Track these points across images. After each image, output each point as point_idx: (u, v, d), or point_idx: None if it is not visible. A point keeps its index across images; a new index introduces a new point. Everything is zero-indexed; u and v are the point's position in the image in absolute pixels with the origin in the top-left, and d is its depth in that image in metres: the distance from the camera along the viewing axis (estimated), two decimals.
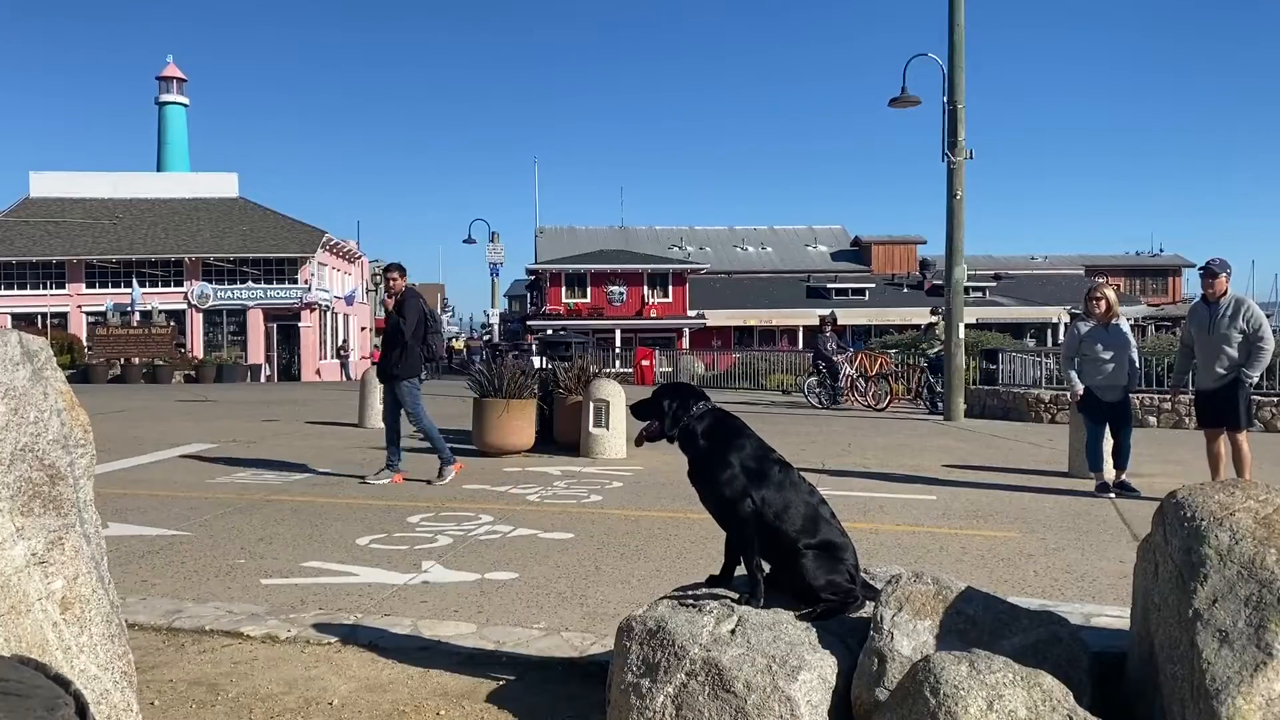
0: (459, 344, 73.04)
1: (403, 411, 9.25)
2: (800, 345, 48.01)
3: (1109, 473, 8.69)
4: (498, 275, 42.36)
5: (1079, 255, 71.72)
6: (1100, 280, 9.59)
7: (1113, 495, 8.41)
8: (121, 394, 24.34)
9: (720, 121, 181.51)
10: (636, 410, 3.78)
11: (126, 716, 2.79)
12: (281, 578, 5.63)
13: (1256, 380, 8.06)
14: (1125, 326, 8.81)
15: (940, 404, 17.90)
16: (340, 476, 9.60)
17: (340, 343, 47.00)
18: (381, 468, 9.25)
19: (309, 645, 4.36)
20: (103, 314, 39.19)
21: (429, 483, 8.96)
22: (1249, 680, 2.48)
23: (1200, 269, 8.24)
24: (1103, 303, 8.75)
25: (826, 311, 21.81)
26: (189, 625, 4.63)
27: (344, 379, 40.67)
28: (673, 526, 7.05)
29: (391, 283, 9.04)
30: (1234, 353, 7.90)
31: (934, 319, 19.51)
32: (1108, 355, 8.61)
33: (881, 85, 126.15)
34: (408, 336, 8.96)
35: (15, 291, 40.75)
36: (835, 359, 19.43)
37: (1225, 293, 8.04)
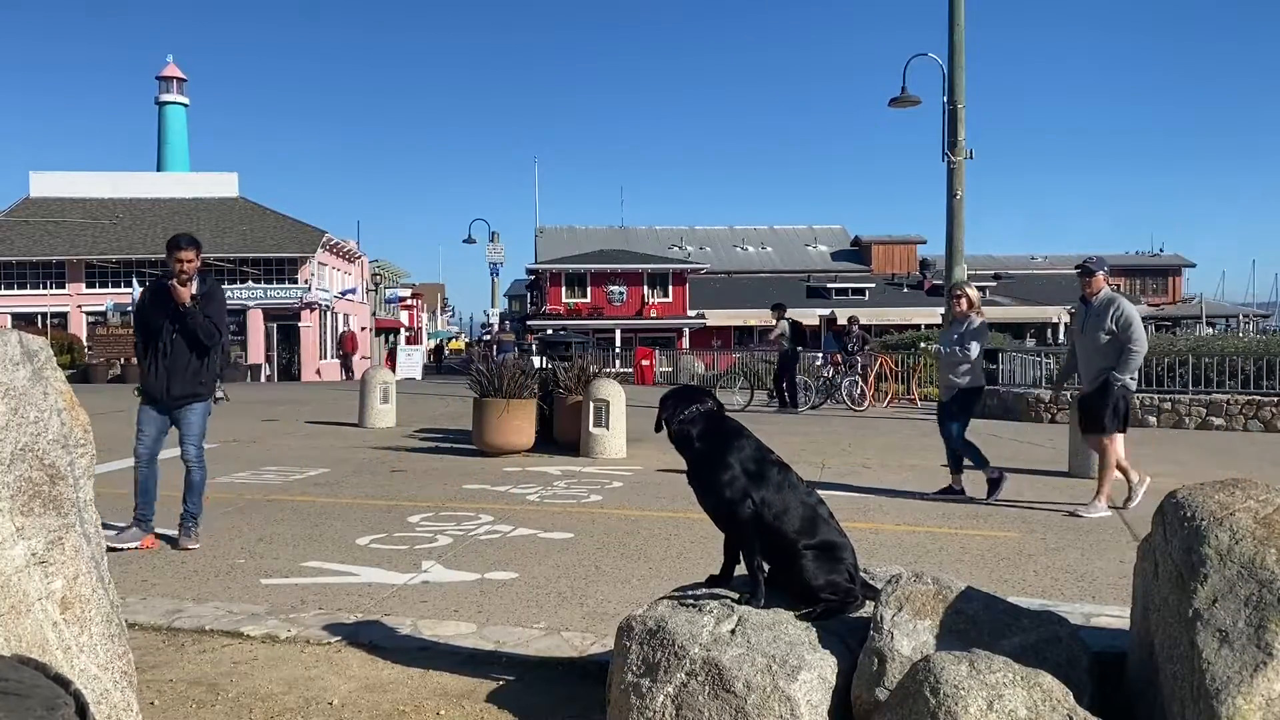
0: (457, 343, 72.86)
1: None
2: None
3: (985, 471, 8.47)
4: (498, 275, 42.29)
5: (1079, 255, 71.67)
6: (963, 280, 9.30)
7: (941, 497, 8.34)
8: (121, 394, 24.33)
9: (720, 121, 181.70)
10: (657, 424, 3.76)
11: (126, 716, 2.79)
12: (281, 578, 5.63)
13: (1128, 382, 7.61)
14: (976, 324, 8.47)
15: (792, 402, 17.89)
16: (340, 476, 9.60)
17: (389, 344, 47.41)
18: (130, 524, 6.44)
19: (309, 645, 4.36)
20: (103, 314, 39.16)
21: (174, 545, 6.47)
22: (1249, 680, 2.48)
23: (1076, 268, 8.03)
24: (963, 300, 8.60)
25: (827, 311, 21.72)
26: (189, 625, 4.64)
27: (344, 378, 40.67)
28: (673, 526, 7.05)
29: (186, 264, 6.35)
30: (1103, 353, 7.64)
31: (778, 320, 18.93)
32: (950, 352, 8.45)
33: (881, 85, 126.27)
34: (220, 340, 6.60)
35: (15, 291, 40.73)
36: (856, 358, 19.45)
37: (1100, 291, 7.80)
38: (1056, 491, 8.73)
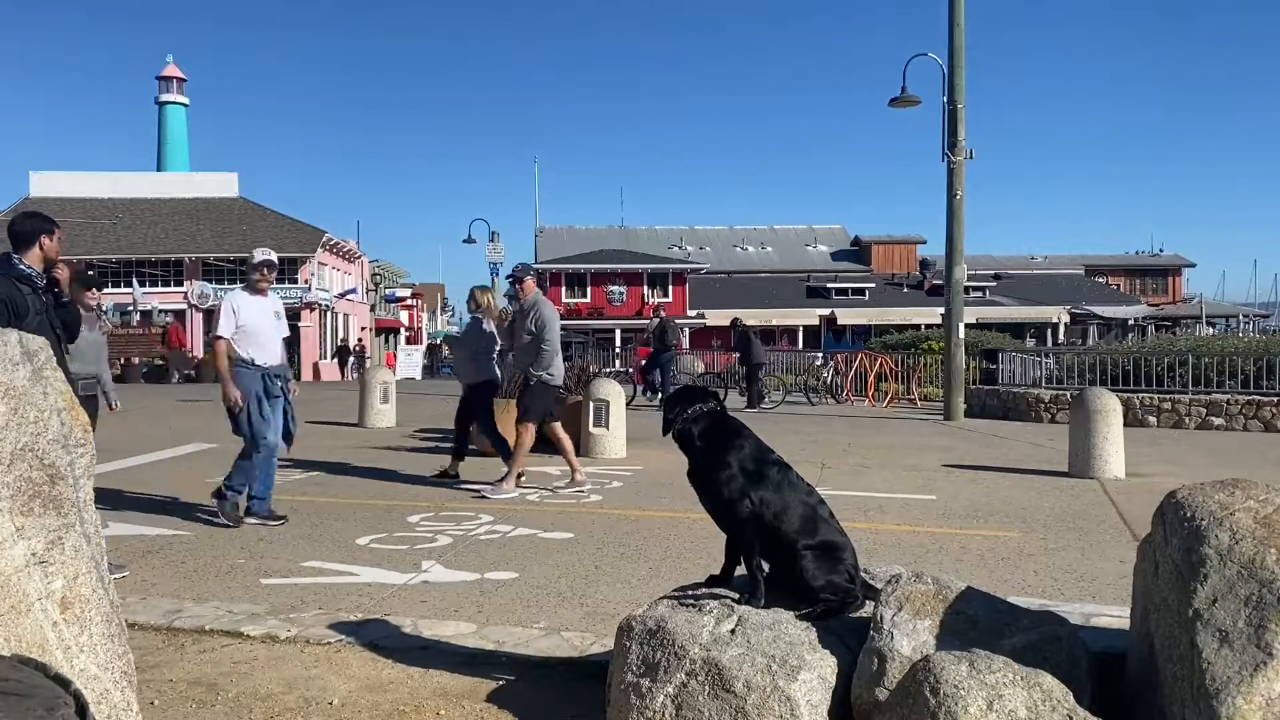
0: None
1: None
2: (800, 345, 48.06)
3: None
4: (498, 275, 42.31)
5: (1079, 255, 71.77)
6: (481, 285, 10.08)
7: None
8: (121, 394, 24.31)
9: (720, 121, 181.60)
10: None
11: (126, 716, 2.79)
12: (281, 578, 5.63)
13: (544, 377, 8.38)
14: (486, 326, 9.44)
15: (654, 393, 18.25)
16: (340, 476, 9.60)
17: (356, 345, 46.76)
18: None
19: (309, 645, 4.36)
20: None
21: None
22: (1249, 680, 2.48)
23: (508, 276, 8.86)
24: (470, 303, 9.64)
25: (827, 311, 22.15)
26: (189, 625, 4.63)
27: (344, 378, 40.62)
28: (673, 526, 7.05)
29: (62, 243, 5.34)
30: (526, 351, 8.44)
31: (653, 316, 19.70)
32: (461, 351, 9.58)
33: (881, 85, 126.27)
34: None
35: None
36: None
37: (528, 296, 8.64)
38: (1056, 491, 8.74)
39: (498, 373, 9.55)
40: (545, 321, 8.39)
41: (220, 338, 7.03)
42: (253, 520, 7.03)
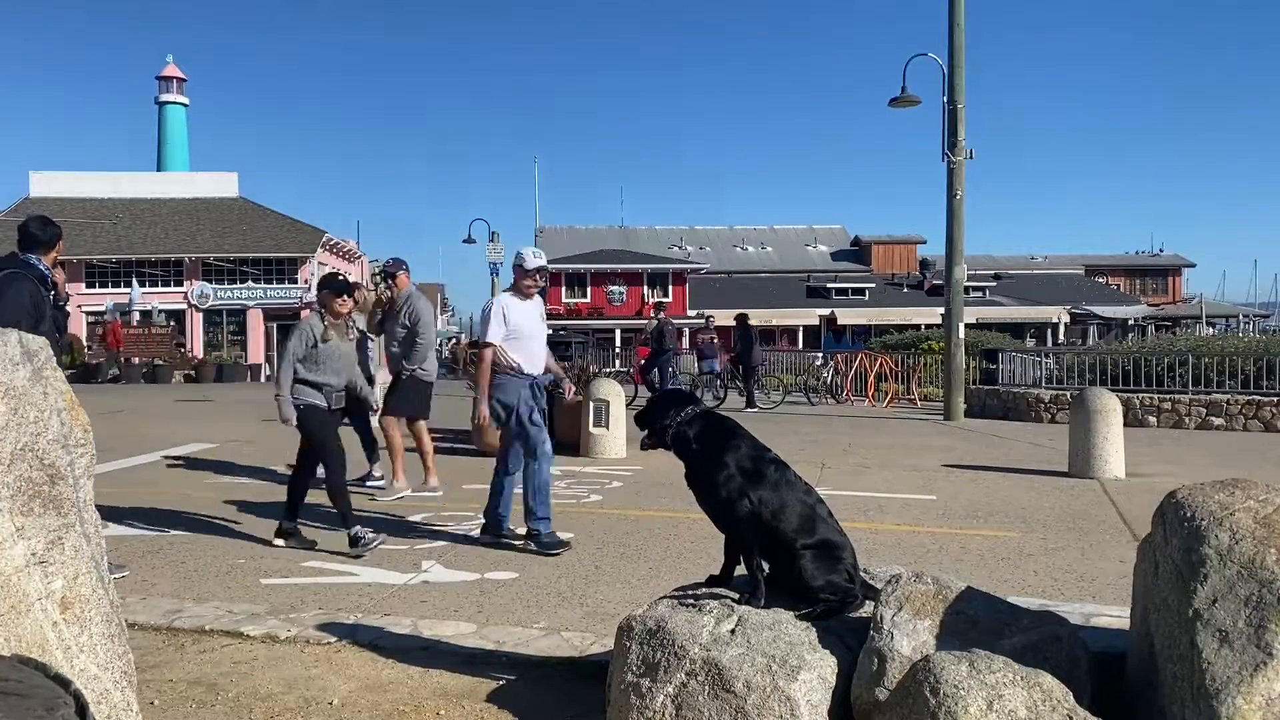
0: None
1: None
2: (800, 345, 48.09)
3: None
4: (498, 275, 42.28)
5: (1079, 255, 71.76)
6: (356, 280, 9.66)
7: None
8: (121, 394, 24.33)
9: (720, 121, 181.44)
10: (639, 419, 3.81)
11: (126, 716, 2.79)
12: (281, 578, 5.63)
13: (417, 372, 8.36)
14: (360, 325, 8.90)
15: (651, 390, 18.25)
16: None
17: None
18: None
19: (309, 645, 4.36)
20: (103, 314, 39.15)
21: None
22: (1249, 680, 2.48)
23: (379, 271, 8.60)
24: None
25: (827, 311, 22.16)
26: (189, 625, 4.64)
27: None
28: (673, 526, 7.05)
29: None
30: (399, 345, 8.39)
31: (652, 317, 19.65)
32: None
33: (881, 85, 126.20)
34: None
35: None
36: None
37: (402, 290, 8.52)
38: (1056, 491, 8.74)
39: (371, 371, 9.17)
40: (419, 315, 8.32)
41: (489, 344, 6.44)
42: (533, 548, 6.28)
